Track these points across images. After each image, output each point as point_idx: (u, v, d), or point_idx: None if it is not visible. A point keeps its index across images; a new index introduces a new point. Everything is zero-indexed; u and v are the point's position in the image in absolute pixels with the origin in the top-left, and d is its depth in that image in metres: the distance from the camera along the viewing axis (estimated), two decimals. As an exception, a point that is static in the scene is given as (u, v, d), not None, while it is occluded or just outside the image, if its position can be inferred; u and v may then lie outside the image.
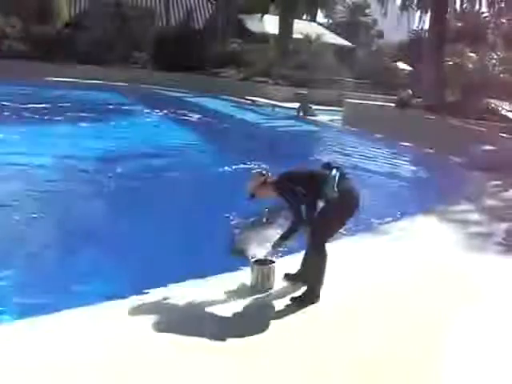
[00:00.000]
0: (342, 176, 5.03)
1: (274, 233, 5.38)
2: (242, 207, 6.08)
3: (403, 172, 15.06)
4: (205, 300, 5.09)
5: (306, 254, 5.41)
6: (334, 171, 5.03)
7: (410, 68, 38.33)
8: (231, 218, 5.63)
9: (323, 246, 5.09)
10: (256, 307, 5.11)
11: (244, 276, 5.56)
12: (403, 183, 13.23)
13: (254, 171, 5.43)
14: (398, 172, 14.72)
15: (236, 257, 5.53)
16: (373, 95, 30.38)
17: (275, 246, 5.30)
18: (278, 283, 5.53)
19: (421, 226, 8.43)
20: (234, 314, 4.90)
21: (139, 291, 5.14)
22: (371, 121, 21.34)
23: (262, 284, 5.42)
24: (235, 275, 5.68)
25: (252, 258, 5.41)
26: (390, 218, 8.67)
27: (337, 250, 5.70)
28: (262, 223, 5.51)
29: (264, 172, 5.32)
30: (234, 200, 8.04)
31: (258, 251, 5.37)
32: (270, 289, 5.43)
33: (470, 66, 22.32)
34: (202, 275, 5.58)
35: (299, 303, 5.10)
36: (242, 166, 12.65)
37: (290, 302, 5.14)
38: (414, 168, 16.20)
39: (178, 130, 20.09)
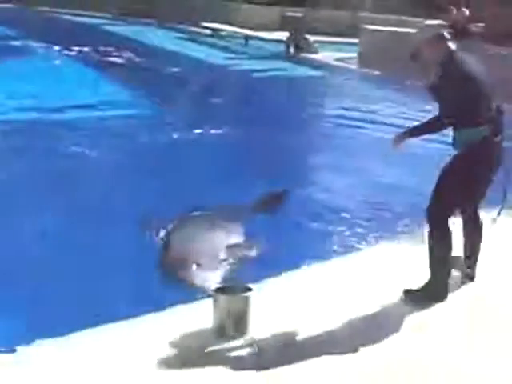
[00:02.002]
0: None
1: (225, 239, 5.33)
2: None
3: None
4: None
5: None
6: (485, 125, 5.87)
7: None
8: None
9: (441, 219, 5.96)
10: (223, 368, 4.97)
11: (197, 313, 5.58)
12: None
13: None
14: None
15: (171, 281, 5.44)
16: (407, 18, 30.39)
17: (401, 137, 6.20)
18: (258, 323, 5.44)
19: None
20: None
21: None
22: (403, 59, 21.21)
23: (231, 326, 5.35)
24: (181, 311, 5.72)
25: (192, 282, 5.29)
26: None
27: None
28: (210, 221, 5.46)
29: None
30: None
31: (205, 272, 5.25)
32: (244, 333, 5.38)
33: None
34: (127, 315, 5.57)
35: (416, 299, 6.02)
36: (192, 132, 12.76)
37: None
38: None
39: (93, 78, 19.88)
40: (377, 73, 22.47)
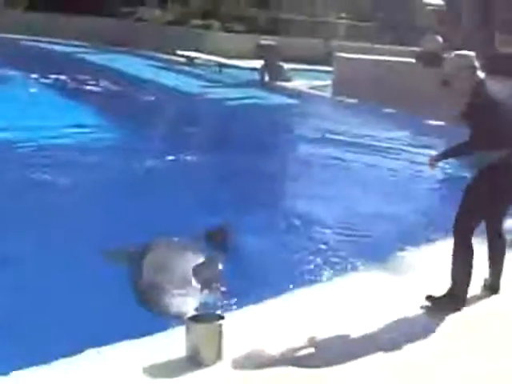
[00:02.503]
0: None
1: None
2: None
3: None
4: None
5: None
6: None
7: (440, 2, 38.83)
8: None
9: (463, 234, 6.42)
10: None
11: (170, 341, 5.51)
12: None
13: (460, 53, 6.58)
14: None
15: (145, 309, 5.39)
16: (380, 46, 30.63)
17: (434, 160, 6.61)
18: (231, 350, 5.45)
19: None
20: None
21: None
22: (378, 86, 21.42)
23: (204, 354, 5.32)
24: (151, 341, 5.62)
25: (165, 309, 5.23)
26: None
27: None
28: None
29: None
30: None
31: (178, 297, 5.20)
32: (217, 362, 5.36)
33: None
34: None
35: (437, 306, 6.41)
36: (165, 159, 12.85)
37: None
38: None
39: (66, 106, 19.82)
40: (351, 100, 22.55)
